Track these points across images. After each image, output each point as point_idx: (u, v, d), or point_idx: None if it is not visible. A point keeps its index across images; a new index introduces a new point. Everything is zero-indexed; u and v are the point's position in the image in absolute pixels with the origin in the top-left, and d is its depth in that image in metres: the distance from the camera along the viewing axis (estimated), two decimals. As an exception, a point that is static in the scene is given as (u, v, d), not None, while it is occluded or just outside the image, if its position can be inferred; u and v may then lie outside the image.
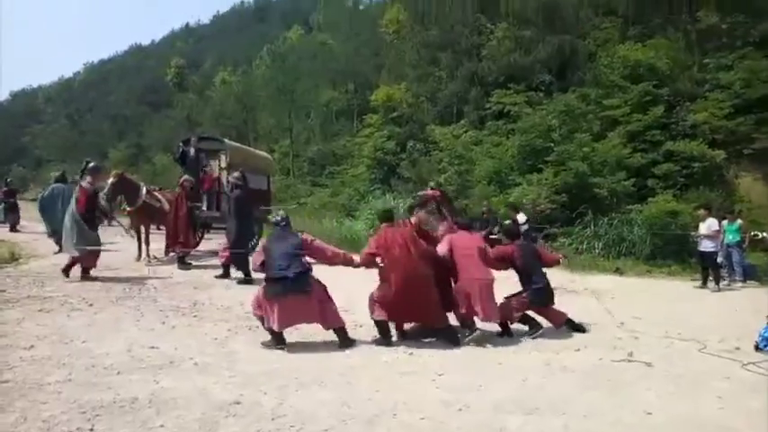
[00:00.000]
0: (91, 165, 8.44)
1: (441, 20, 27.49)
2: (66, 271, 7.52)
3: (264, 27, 67.65)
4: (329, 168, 27.32)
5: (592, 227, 13.12)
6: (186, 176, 9.94)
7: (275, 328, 4.72)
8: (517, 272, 5.79)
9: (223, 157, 11.84)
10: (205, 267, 9.21)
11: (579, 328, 5.74)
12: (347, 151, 27.26)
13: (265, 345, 4.78)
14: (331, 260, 5.31)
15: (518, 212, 11.89)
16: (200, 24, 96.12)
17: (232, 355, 4.49)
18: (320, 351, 4.76)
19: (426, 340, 5.21)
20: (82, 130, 62.05)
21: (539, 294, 5.59)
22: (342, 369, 4.24)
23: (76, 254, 7.44)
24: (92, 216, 7.71)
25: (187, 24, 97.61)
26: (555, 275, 9.80)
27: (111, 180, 9.08)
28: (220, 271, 8.28)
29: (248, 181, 10.08)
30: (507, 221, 10.48)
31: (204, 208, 11.27)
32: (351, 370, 4.23)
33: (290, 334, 4.92)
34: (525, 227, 11.09)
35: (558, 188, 14.10)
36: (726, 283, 9.72)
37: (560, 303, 5.88)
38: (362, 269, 5.36)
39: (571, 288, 8.29)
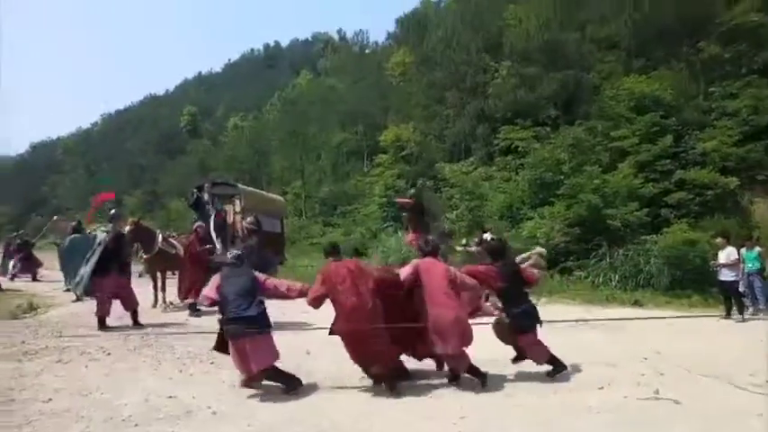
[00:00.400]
0: (112, 212, 8.61)
1: (445, 61, 28.10)
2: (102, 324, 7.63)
3: (274, 74, 69.62)
4: (341, 208, 27.53)
5: (607, 259, 12.98)
6: (199, 223, 10.07)
7: (242, 375, 4.70)
8: (498, 295, 5.48)
9: (237, 202, 12.01)
10: (213, 312, 9.20)
11: (559, 367, 5.21)
12: (358, 191, 27.51)
13: (287, 392, 4.70)
14: (287, 295, 5.18)
15: (485, 232, 11.81)
16: (212, 73, 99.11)
17: (250, 403, 4.45)
18: (338, 395, 4.69)
19: (440, 381, 5.07)
20: (98, 180, 63.33)
21: (523, 318, 5.15)
22: (362, 414, 4.17)
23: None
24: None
25: (199, 73, 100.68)
26: (572, 309, 9.75)
27: (127, 228, 9.22)
28: None
29: (262, 225, 10.22)
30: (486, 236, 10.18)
31: (218, 252, 11.34)
32: (370, 415, 4.16)
33: (308, 377, 4.87)
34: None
35: (570, 221, 14.04)
36: (750, 312, 9.49)
37: (579, 338, 5.77)
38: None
39: (591, 324, 8.14)
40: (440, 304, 4.80)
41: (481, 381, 4.88)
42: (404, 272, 5.08)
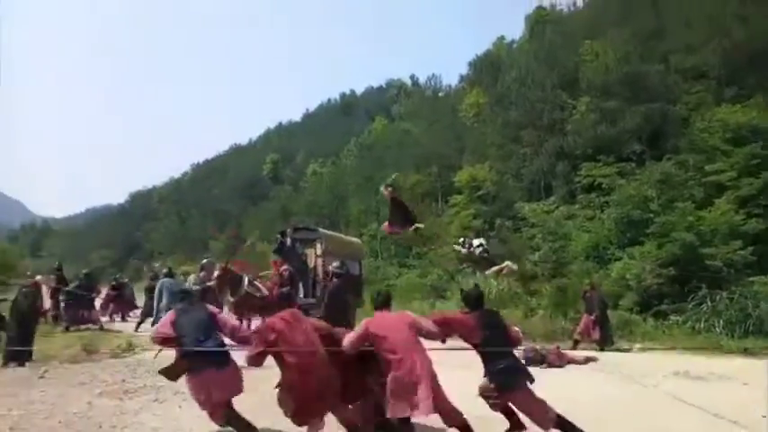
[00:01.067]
0: (204, 261, 9.05)
1: (520, 100, 27.95)
2: None
3: (350, 120, 72.11)
4: (416, 249, 27.50)
5: (708, 303, 11.96)
6: (285, 266, 10.38)
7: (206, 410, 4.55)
8: (475, 349, 4.72)
9: (318, 245, 12.32)
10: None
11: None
12: (433, 232, 27.41)
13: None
14: (236, 339, 4.92)
15: (477, 237, 11.37)
16: (291, 122, 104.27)
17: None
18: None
19: None
20: (187, 225, 67.56)
21: (507, 375, 4.42)
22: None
23: None
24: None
25: (280, 123, 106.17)
26: (672, 359, 8.98)
27: (216, 272, 9.66)
28: None
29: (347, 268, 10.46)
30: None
31: (301, 295, 11.60)
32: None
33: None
34: (479, 249, 10.70)
35: (663, 261, 13.18)
36: None
37: (682, 392, 5.27)
38: None
39: (695, 374, 7.47)
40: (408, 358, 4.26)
41: None
42: (350, 339, 4.50)
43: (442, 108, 42.89)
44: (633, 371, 7.80)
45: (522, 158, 25.42)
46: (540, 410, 4.37)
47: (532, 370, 7.84)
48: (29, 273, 14.73)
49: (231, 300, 10.27)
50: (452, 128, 35.94)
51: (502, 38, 48.46)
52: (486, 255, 11.11)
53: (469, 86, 40.36)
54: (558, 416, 4.39)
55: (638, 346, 11.03)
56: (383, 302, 4.79)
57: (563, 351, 9.00)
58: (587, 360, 8.76)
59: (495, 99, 31.83)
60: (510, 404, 4.53)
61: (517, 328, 5.05)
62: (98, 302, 14.70)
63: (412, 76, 74.05)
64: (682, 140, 18.88)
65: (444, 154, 32.78)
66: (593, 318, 10.53)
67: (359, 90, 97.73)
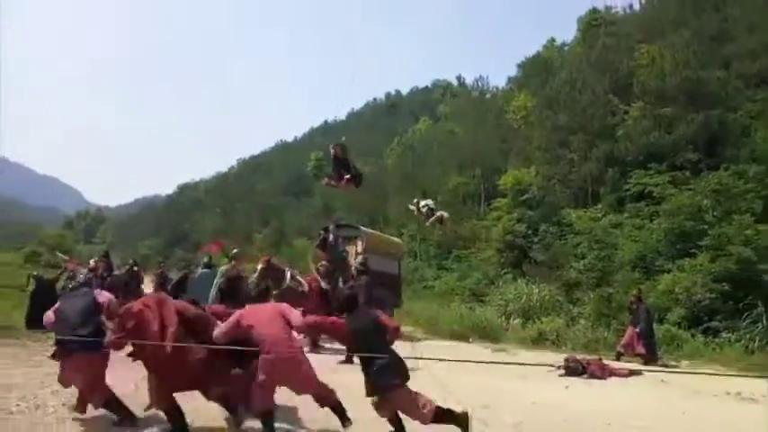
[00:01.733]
0: (234, 251, 9.24)
1: (570, 103, 27.26)
2: None
3: (394, 120, 72.23)
4: (456, 252, 27.27)
5: (765, 321, 11.38)
6: (322, 262, 10.49)
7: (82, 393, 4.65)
8: (351, 351, 4.89)
9: (359, 243, 12.40)
10: (334, 351, 9.37)
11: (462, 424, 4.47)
12: (474, 235, 27.13)
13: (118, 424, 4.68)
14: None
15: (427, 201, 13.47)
16: (336, 120, 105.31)
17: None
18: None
19: None
20: (232, 218, 69.23)
21: (382, 375, 4.38)
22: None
23: None
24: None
25: (325, 121, 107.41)
26: (722, 378, 8.56)
27: (260, 265, 9.84)
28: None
29: (370, 266, 10.68)
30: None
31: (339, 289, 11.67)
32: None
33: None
34: (425, 208, 12.91)
35: (716, 275, 12.65)
36: None
37: (734, 414, 5.01)
38: None
39: (747, 395, 7.10)
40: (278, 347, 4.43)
41: (342, 419, 4.62)
42: (222, 329, 4.59)
43: (488, 110, 42.35)
44: (681, 389, 7.49)
45: (570, 163, 24.79)
46: (415, 408, 4.42)
47: (572, 380, 7.76)
48: (67, 258, 15.26)
49: (274, 293, 10.46)
50: (498, 130, 35.45)
51: (552, 40, 47.46)
52: (431, 212, 13.28)
53: (517, 88, 39.70)
54: (438, 407, 4.45)
55: (686, 362, 10.60)
56: (259, 296, 5.07)
57: (606, 363, 8.73)
58: (631, 373, 8.47)
59: (544, 102, 31.12)
60: (396, 411, 4.54)
61: (396, 323, 4.97)
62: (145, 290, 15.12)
63: (458, 77, 73.43)
64: (742, 150, 18.00)
65: (489, 156, 32.37)
66: (637, 330, 10.18)
67: (404, 90, 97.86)
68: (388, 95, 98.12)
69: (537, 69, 40.03)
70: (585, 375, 8.13)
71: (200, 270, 11.94)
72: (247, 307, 4.80)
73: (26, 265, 25.89)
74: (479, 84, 59.97)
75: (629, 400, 6.71)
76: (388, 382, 4.39)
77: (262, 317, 4.57)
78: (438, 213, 13.41)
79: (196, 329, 4.58)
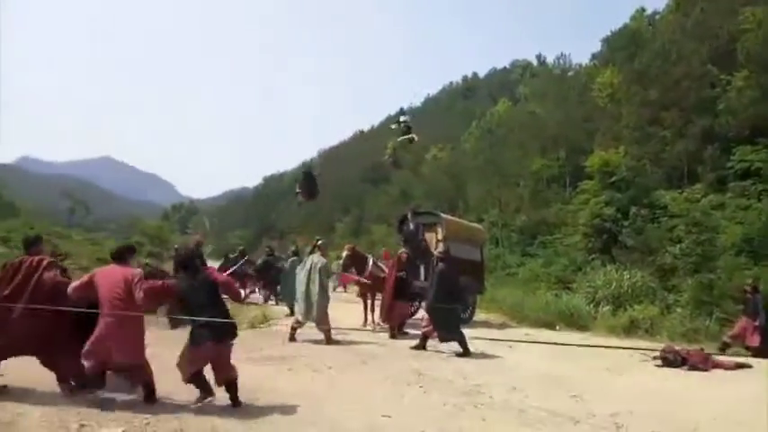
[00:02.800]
0: (320, 242, 9.49)
1: (662, 77, 25.42)
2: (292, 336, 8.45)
3: (471, 104, 70.96)
4: (540, 237, 26.45)
5: None
6: (402, 249, 10.55)
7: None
8: (183, 310, 4.79)
9: (439, 230, 12.33)
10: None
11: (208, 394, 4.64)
12: (560, 219, 26.17)
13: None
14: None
15: None
16: (412, 107, 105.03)
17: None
18: None
19: None
20: (314, 207, 71.30)
21: (200, 332, 4.54)
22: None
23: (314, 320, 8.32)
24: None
25: (401, 108, 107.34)
26: None
27: (345, 253, 10.14)
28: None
29: (451, 254, 10.58)
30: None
31: (421, 278, 11.71)
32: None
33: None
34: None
35: (840, 260, 11.36)
36: None
37: None
38: None
39: None
40: (107, 314, 4.49)
41: (146, 399, 4.60)
42: (75, 283, 4.72)
43: (570, 88, 40.47)
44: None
45: (663, 142, 23.18)
46: (222, 366, 4.64)
47: (670, 372, 7.32)
48: (176, 246, 16.29)
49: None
50: (582, 109, 33.80)
51: (642, 10, 44.31)
52: (408, 127, 14.91)
53: (603, 64, 37.58)
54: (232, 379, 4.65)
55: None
56: (118, 255, 4.94)
57: (710, 354, 8.15)
58: (739, 366, 7.84)
59: (633, 77, 29.24)
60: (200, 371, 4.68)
61: (226, 276, 5.11)
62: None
63: (538, 56, 70.78)
64: None
65: (573, 137, 31.00)
66: (756, 323, 9.35)
67: (481, 72, 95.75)
68: (464, 79, 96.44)
69: (624, 43, 37.66)
70: (686, 367, 7.63)
71: (290, 260, 12.37)
72: (101, 268, 4.97)
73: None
74: (561, 62, 57.57)
75: (737, 394, 6.23)
76: (201, 338, 4.56)
77: (109, 279, 4.67)
78: (411, 135, 15.27)
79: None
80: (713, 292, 12.70)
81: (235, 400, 4.68)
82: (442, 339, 8.03)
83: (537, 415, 4.97)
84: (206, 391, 4.75)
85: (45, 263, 4.80)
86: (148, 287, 4.64)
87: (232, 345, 4.81)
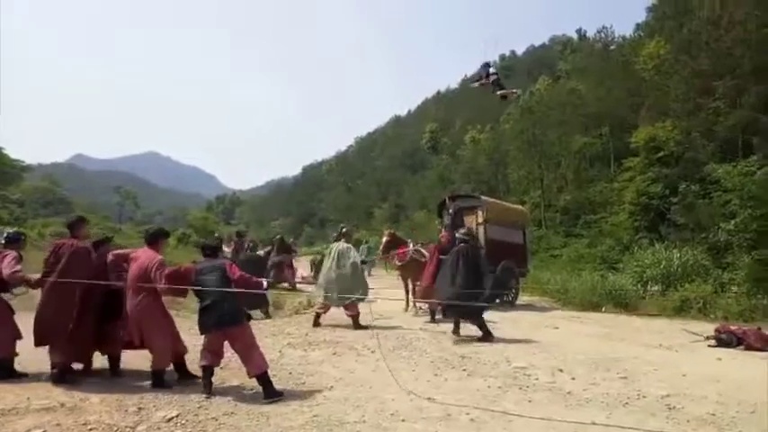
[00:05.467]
0: (343, 229, 9.55)
1: (713, 45, 24.15)
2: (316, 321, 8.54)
3: (511, 83, 69.12)
4: (584, 217, 25.88)
5: None
6: (443, 233, 10.51)
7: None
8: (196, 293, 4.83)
9: (480, 213, 12.19)
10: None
11: (272, 393, 4.56)
12: (604, 198, 25.48)
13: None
14: None
15: None
16: (449, 90, 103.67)
17: (506, 416, 4.38)
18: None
19: None
20: (354, 194, 71.84)
21: (205, 315, 4.71)
22: None
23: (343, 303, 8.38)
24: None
25: (438, 92, 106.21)
26: None
27: (385, 238, 10.20)
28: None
29: (493, 236, 11.30)
30: None
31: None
32: None
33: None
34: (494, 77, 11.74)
35: None
36: None
37: None
38: None
39: None
40: (129, 296, 4.87)
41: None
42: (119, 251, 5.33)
43: (614, 62, 38.97)
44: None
45: (715, 113, 22.10)
46: (252, 357, 4.68)
47: (725, 352, 7.05)
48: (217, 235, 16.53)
49: (398, 263, 10.76)
50: (626, 83, 32.52)
51: (689, -25, 42.05)
52: (499, 82, 12.24)
53: (648, 35, 35.97)
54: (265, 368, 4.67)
55: None
56: (151, 239, 5.19)
57: (767, 333, 7.79)
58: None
59: (681, 47, 27.89)
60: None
61: (240, 273, 5.00)
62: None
63: (579, 30, 68.13)
64: None
65: (617, 113, 29.96)
66: None
67: (519, 50, 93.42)
68: (502, 57, 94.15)
69: (671, 10, 35.88)
70: (741, 347, 7.33)
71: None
72: (138, 249, 5.22)
73: (179, 245, 29.14)
74: (603, 35, 55.30)
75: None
76: (209, 322, 4.70)
77: (137, 263, 4.93)
78: (512, 90, 13.19)
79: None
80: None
81: (266, 394, 4.57)
82: (463, 320, 7.83)
83: (584, 396, 4.89)
84: (206, 387, 4.73)
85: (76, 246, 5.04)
86: (168, 273, 4.83)
87: (245, 333, 4.78)
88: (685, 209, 18.61)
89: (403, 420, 4.14)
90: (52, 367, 4.87)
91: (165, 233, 5.63)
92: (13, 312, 5.20)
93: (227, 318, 4.70)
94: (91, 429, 3.81)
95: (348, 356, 6.48)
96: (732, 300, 11.48)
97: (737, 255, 13.80)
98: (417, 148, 72.09)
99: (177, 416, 4.08)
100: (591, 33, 61.50)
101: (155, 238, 5.21)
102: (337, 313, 8.77)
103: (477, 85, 12.92)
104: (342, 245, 8.86)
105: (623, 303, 12.46)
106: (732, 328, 7.94)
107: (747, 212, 14.35)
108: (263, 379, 4.64)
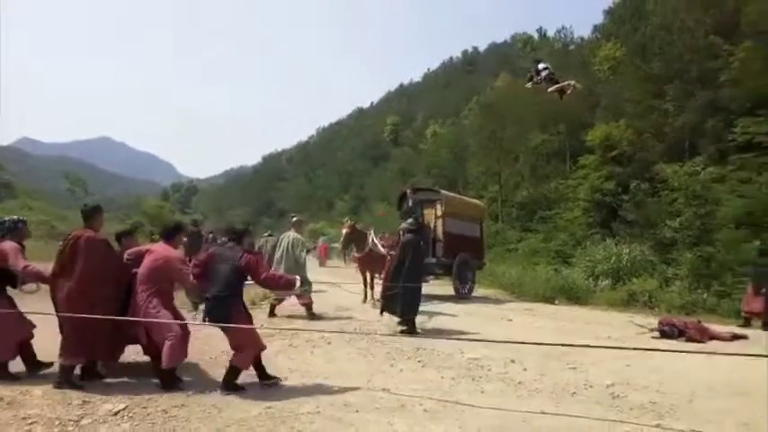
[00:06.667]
0: (294, 219, 9.50)
1: (665, 50, 25.06)
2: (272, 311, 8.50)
3: (472, 79, 70.11)
4: (540, 213, 26.46)
5: None
6: (409, 221, 10.52)
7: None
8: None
9: (438, 206, 12.32)
10: (420, 313, 9.48)
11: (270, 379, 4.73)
12: (560, 194, 26.14)
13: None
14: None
15: None
16: (412, 83, 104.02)
17: (458, 406, 4.46)
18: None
19: None
20: (314, 185, 71.28)
21: (209, 306, 4.63)
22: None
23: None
24: None
25: (401, 84, 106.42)
26: None
27: (345, 230, 10.16)
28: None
29: (451, 230, 11.38)
30: None
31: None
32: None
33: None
34: (545, 72, 10.89)
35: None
36: None
37: None
38: None
39: None
40: (139, 291, 4.63)
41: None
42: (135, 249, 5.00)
43: (572, 62, 39.92)
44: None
45: (665, 115, 22.99)
46: (245, 348, 4.61)
47: (667, 343, 7.38)
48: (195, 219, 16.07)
49: (357, 255, 10.75)
50: (584, 83, 33.31)
51: (645, -20, 43.46)
52: (552, 76, 11.09)
53: (605, 37, 37.04)
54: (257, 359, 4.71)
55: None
56: (167, 234, 5.01)
57: (705, 325, 8.20)
58: (735, 337, 7.91)
59: (635, 50, 28.83)
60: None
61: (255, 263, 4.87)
62: None
63: (539, 30, 69.49)
64: None
65: (574, 111, 30.68)
66: (763, 291, 9.33)
67: (482, 47, 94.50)
68: (465, 54, 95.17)
69: (627, 15, 37.05)
70: (682, 339, 7.70)
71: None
72: (154, 244, 5.07)
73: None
74: (562, 35, 56.66)
75: (733, 364, 6.28)
76: (213, 311, 4.64)
77: (149, 257, 4.73)
78: (569, 82, 11.16)
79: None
80: (712, 266, 12.75)
81: (226, 384, 4.55)
82: (401, 314, 7.72)
83: (534, 386, 5.03)
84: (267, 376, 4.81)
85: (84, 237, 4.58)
86: (196, 264, 4.82)
87: (240, 332, 4.64)
88: (635, 206, 19.33)
89: (357, 411, 4.15)
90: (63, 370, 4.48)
91: (181, 227, 5.41)
92: (15, 308, 4.79)
93: (218, 314, 4.61)
94: (32, 423, 3.66)
95: (304, 348, 6.44)
96: (675, 293, 12.04)
97: (681, 251, 14.47)
98: (380, 141, 72.08)
99: (124, 408, 3.97)
100: (551, 33, 63.03)
101: (172, 234, 5.03)
102: (294, 304, 8.72)
103: (530, 86, 11.98)
104: (293, 235, 8.81)
105: (575, 297, 12.88)
106: (674, 320, 8.32)
107: (692, 211, 15.08)
108: (230, 375, 4.57)
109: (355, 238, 10.66)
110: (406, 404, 4.38)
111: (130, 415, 3.88)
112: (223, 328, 4.65)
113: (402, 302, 7.62)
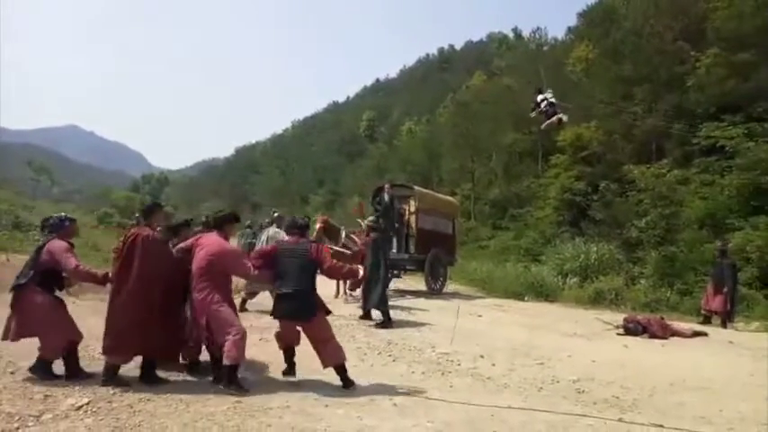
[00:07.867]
0: (275, 214, 9.44)
1: (635, 53, 25.63)
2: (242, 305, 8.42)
3: (448, 76, 70.49)
4: (512, 211, 26.84)
5: None
6: (370, 218, 10.53)
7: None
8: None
9: (412, 202, 12.39)
10: (392, 308, 9.53)
11: (348, 383, 4.62)
12: (531, 193, 26.54)
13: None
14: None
15: None
16: (388, 78, 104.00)
17: (428, 400, 4.50)
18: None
19: None
20: (289, 179, 70.69)
21: (282, 303, 4.59)
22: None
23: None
24: None
25: (377, 80, 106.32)
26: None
27: (318, 225, 10.09)
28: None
29: (424, 226, 11.63)
30: None
31: (394, 250, 11.78)
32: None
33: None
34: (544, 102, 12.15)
35: (794, 234, 11.85)
36: None
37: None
38: None
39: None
40: (194, 287, 4.44)
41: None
42: (179, 245, 4.67)
43: (545, 62, 40.48)
44: (750, 351, 7.23)
45: (634, 117, 23.56)
46: (327, 347, 4.62)
47: (631, 340, 7.59)
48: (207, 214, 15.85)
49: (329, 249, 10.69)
50: (556, 83, 33.82)
51: (618, -16, 44.28)
52: (551, 108, 12.30)
53: (578, 39, 37.66)
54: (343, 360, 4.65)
55: (756, 324, 10.13)
56: (217, 222, 4.78)
57: (668, 322, 8.47)
58: (695, 334, 8.19)
59: (606, 53, 29.41)
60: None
61: (330, 258, 4.91)
62: None
63: (515, 29, 70.26)
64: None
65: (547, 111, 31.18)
66: (725, 290, 9.61)
67: (458, 45, 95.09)
68: (441, 51, 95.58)
69: (599, 18, 37.72)
70: (646, 335, 7.93)
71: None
72: (206, 236, 4.72)
73: (99, 226, 27.56)
74: (537, 35, 57.32)
75: (693, 360, 6.51)
76: (291, 313, 4.62)
77: (205, 248, 4.49)
78: (558, 116, 12.59)
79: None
80: (675, 265, 13.15)
81: (344, 384, 4.62)
82: (373, 308, 7.97)
83: (502, 381, 5.12)
84: (290, 367, 4.86)
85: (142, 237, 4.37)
86: (256, 254, 4.81)
87: (320, 327, 4.66)
88: (604, 206, 19.78)
89: (327, 406, 4.15)
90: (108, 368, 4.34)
91: (236, 217, 5.08)
92: (65, 310, 4.57)
93: (302, 312, 4.56)
94: (-10, 418, 3.55)
95: (274, 342, 6.37)
96: (640, 291, 12.38)
97: (647, 250, 14.88)
98: (355, 136, 71.92)
99: (88, 403, 3.87)
100: (526, 33, 63.77)
101: (222, 222, 4.75)
102: (265, 299, 8.63)
103: (534, 115, 13.36)
104: (273, 230, 8.74)
105: (544, 293, 13.12)
106: (638, 317, 8.56)
107: (657, 211, 15.51)
108: (340, 370, 4.61)
109: (328, 233, 10.61)
110: (376, 399, 4.40)
111: (94, 410, 3.79)
112: (304, 324, 4.63)
113: (373, 296, 7.83)
